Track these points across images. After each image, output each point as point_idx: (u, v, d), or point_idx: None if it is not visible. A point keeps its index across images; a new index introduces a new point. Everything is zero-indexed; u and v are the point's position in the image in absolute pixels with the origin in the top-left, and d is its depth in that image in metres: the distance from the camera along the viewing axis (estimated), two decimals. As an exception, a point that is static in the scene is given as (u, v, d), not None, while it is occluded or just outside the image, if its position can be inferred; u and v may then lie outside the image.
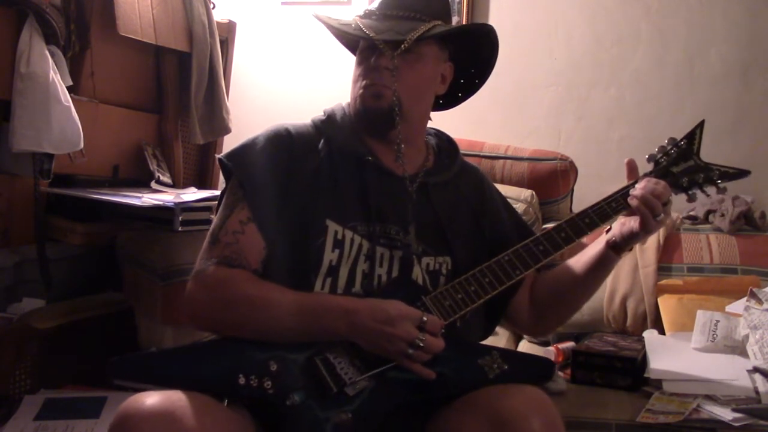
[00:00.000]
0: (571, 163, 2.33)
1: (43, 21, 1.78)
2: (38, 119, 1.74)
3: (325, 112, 1.41)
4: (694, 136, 1.39)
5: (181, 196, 1.98)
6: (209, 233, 1.29)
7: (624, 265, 2.06)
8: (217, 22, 2.41)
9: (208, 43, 2.30)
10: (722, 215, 2.13)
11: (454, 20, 2.70)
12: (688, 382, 1.56)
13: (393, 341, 1.14)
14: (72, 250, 2.10)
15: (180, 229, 1.91)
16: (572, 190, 2.38)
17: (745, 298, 1.75)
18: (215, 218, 1.31)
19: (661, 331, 1.90)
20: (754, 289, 1.75)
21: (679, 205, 2.24)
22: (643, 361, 1.67)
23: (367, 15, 1.36)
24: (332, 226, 1.27)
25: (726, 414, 1.43)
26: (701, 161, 1.38)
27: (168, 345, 1.92)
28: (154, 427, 1.00)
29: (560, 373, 1.71)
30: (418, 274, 1.30)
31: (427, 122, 1.44)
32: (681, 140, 1.40)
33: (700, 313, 1.77)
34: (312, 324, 1.18)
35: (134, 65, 2.21)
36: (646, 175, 1.38)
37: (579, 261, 1.40)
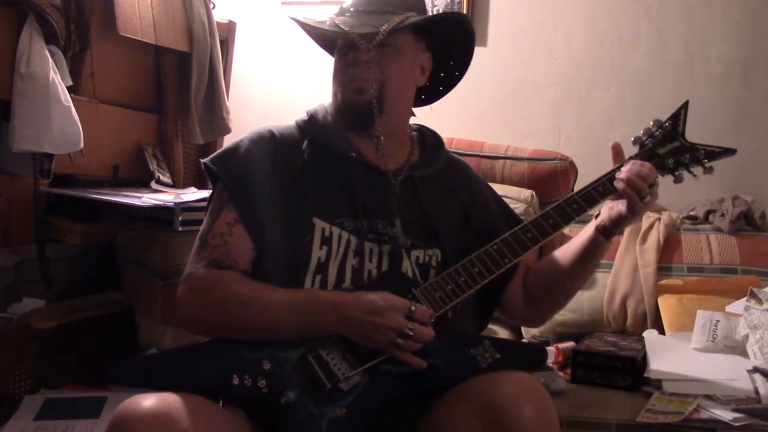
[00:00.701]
0: (571, 163, 2.33)
1: (43, 21, 1.78)
2: (38, 119, 1.74)
3: (307, 113, 1.42)
4: (678, 117, 1.39)
5: (181, 196, 1.98)
6: (198, 237, 1.30)
7: (624, 265, 2.06)
8: (217, 22, 2.41)
9: (208, 43, 2.30)
10: (722, 215, 2.13)
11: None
12: (688, 382, 1.56)
13: (382, 331, 1.15)
14: (72, 250, 2.10)
15: (180, 229, 1.91)
16: (572, 190, 2.37)
17: (745, 298, 1.75)
18: (203, 222, 1.32)
19: (661, 331, 1.90)
20: (754, 289, 1.75)
21: (679, 204, 2.25)
22: (643, 361, 1.67)
23: (342, 12, 1.37)
24: (319, 224, 1.27)
25: (726, 414, 1.43)
26: (687, 142, 1.38)
27: (168, 345, 1.92)
28: (151, 429, 1.00)
29: (560, 373, 1.71)
30: (407, 267, 1.30)
31: (409, 115, 1.45)
32: (666, 121, 1.39)
33: (700, 313, 1.77)
34: (302, 320, 1.18)
35: (134, 65, 2.21)
36: (631, 157, 1.38)
37: (570, 248, 1.40)
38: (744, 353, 1.65)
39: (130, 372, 1.18)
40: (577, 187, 2.37)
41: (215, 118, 2.36)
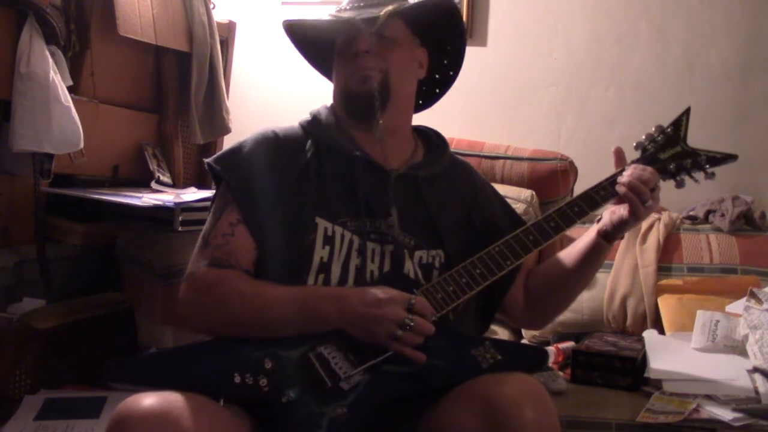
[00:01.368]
0: (571, 163, 2.33)
1: (43, 21, 1.78)
2: (38, 119, 1.74)
3: (310, 113, 1.43)
4: (680, 122, 1.39)
5: (181, 196, 1.98)
6: (200, 237, 1.30)
7: (624, 265, 2.06)
8: (217, 22, 2.41)
9: (208, 43, 2.30)
10: (722, 215, 2.13)
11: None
12: (688, 382, 1.56)
13: (382, 323, 1.15)
14: (72, 250, 2.10)
15: (180, 229, 1.91)
16: (572, 190, 2.37)
17: (745, 298, 1.75)
18: (206, 222, 1.33)
19: (661, 331, 1.90)
20: (754, 289, 1.75)
21: (679, 204, 2.25)
22: (643, 361, 1.67)
23: (340, 11, 1.39)
24: (322, 223, 1.28)
25: (726, 414, 1.43)
26: (688, 147, 1.38)
27: (168, 345, 1.92)
28: (151, 428, 1.00)
29: (560, 373, 1.71)
30: (410, 268, 1.31)
31: (412, 111, 1.46)
32: (668, 127, 1.40)
33: (700, 313, 1.77)
34: (304, 313, 1.19)
35: (134, 65, 2.21)
36: (633, 162, 1.38)
37: (572, 251, 1.41)
38: (744, 353, 1.65)
39: (129, 371, 1.18)
40: (577, 187, 2.38)
41: (215, 118, 2.36)
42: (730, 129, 2.43)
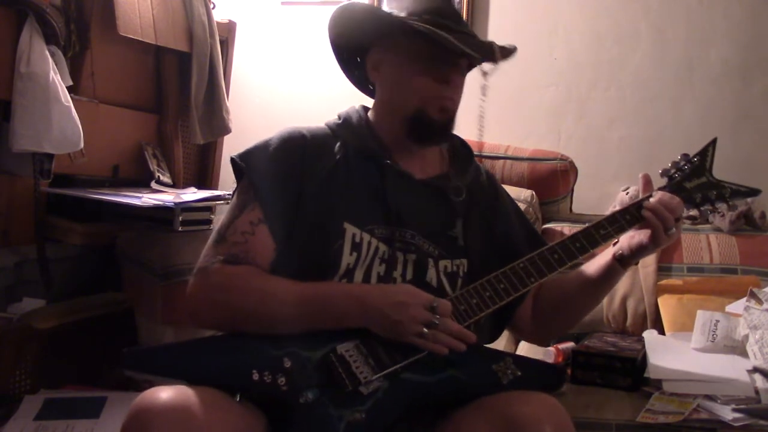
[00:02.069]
0: (571, 163, 2.33)
1: (43, 21, 1.78)
2: (38, 119, 1.74)
3: (339, 116, 1.40)
4: (706, 152, 1.40)
5: (181, 196, 1.98)
6: (215, 231, 1.28)
7: (624, 265, 2.06)
8: (217, 22, 2.41)
9: (208, 43, 2.30)
10: (722, 215, 2.13)
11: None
12: (688, 382, 1.56)
13: (406, 323, 1.15)
14: (72, 250, 2.10)
15: (180, 229, 1.91)
16: (572, 190, 2.38)
17: (745, 298, 1.75)
18: (223, 217, 1.30)
19: (661, 331, 1.90)
20: (754, 289, 1.75)
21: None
22: (643, 361, 1.67)
23: (445, 28, 1.28)
24: (350, 229, 1.26)
25: (726, 414, 1.43)
26: (714, 178, 1.39)
27: (168, 345, 1.92)
28: (169, 421, 1.00)
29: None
30: (432, 276, 1.30)
31: None
32: (694, 156, 1.40)
33: (700, 313, 1.77)
34: (324, 311, 1.18)
35: (134, 65, 2.21)
36: (660, 189, 1.38)
37: (584, 272, 1.40)
38: (744, 353, 1.65)
39: (147, 359, 1.17)
40: (577, 187, 2.38)
41: (215, 118, 2.36)
42: (730, 129, 2.43)
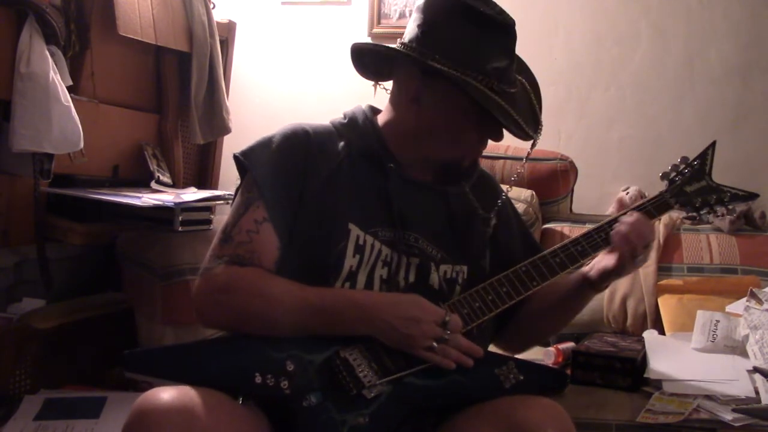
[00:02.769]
0: (571, 163, 2.33)
1: (43, 21, 1.78)
2: (38, 119, 1.74)
3: (345, 115, 1.37)
4: (706, 156, 1.40)
5: (181, 196, 1.98)
6: (220, 230, 1.26)
7: (624, 265, 2.06)
8: (217, 22, 2.41)
9: (208, 43, 2.30)
10: (722, 215, 2.12)
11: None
12: (688, 382, 1.56)
13: (414, 337, 1.14)
14: (72, 250, 2.10)
15: (180, 229, 1.91)
16: (572, 190, 2.37)
17: (745, 298, 1.75)
18: (228, 215, 1.28)
19: (661, 331, 1.90)
20: (754, 289, 1.75)
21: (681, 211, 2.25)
22: (643, 361, 1.67)
23: (504, 90, 1.25)
24: (354, 231, 1.24)
25: (726, 414, 1.43)
26: (713, 182, 1.39)
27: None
28: (171, 422, 0.99)
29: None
30: (435, 279, 1.29)
31: None
32: (694, 160, 1.40)
33: (700, 313, 1.77)
34: (331, 319, 1.17)
35: (134, 65, 2.21)
36: (660, 192, 1.38)
37: (557, 288, 1.38)
38: (744, 353, 1.65)
39: (148, 361, 1.16)
40: (577, 187, 2.38)
41: (215, 118, 2.36)
42: (730, 129, 2.43)
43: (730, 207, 1.39)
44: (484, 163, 2.28)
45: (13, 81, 1.73)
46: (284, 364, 1.13)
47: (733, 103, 2.46)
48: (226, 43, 2.55)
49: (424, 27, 1.24)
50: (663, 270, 2.05)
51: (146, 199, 1.89)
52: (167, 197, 1.94)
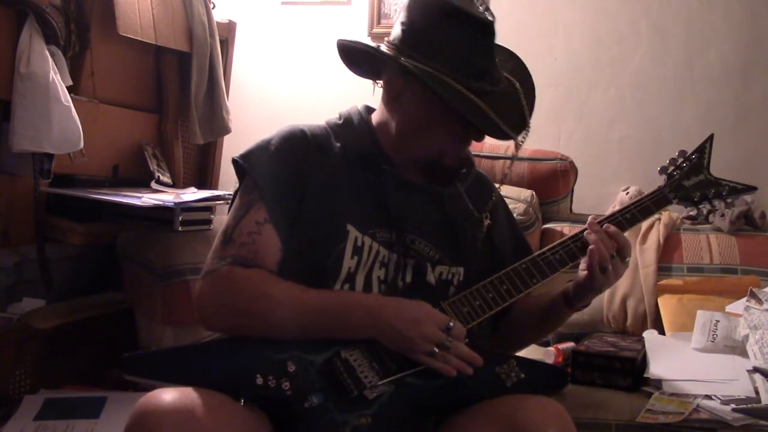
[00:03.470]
0: (571, 163, 2.33)
1: (43, 21, 1.78)
2: (38, 119, 1.74)
3: (340, 116, 1.37)
4: (704, 150, 1.39)
5: (181, 196, 1.98)
6: (221, 232, 1.26)
7: (624, 265, 2.06)
8: (217, 22, 2.41)
9: (208, 43, 2.30)
10: (722, 215, 2.13)
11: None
12: (688, 382, 1.56)
13: (417, 342, 1.14)
14: (72, 250, 2.10)
15: (180, 229, 1.91)
16: (572, 190, 2.37)
17: (745, 298, 1.75)
18: (227, 218, 1.28)
19: (661, 331, 1.90)
20: (754, 289, 1.75)
21: (679, 205, 2.25)
22: (643, 361, 1.67)
23: (486, 92, 1.24)
24: (353, 232, 1.24)
25: (726, 414, 1.43)
26: (711, 176, 1.38)
27: (168, 345, 1.92)
28: (173, 424, 0.99)
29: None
30: (431, 279, 1.29)
31: None
32: (692, 154, 1.39)
33: (700, 313, 1.77)
34: (336, 321, 1.17)
35: (134, 65, 2.21)
36: (659, 187, 1.37)
37: (539, 300, 1.39)
38: (744, 353, 1.65)
39: (147, 364, 1.17)
40: (577, 187, 2.38)
41: (215, 118, 2.36)
42: (730, 129, 2.43)
43: (729, 201, 1.38)
44: (484, 164, 2.31)
45: (13, 81, 1.74)
46: (285, 365, 1.13)
47: (733, 103, 2.45)
48: (226, 43, 2.55)
49: (406, 26, 1.24)
50: (663, 270, 2.05)
51: (146, 199, 1.89)
52: (167, 197, 1.94)
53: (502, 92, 1.28)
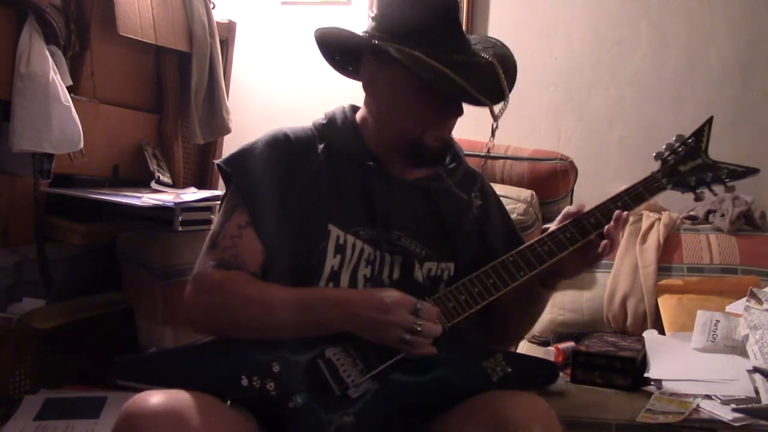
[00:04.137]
0: (571, 163, 2.33)
1: (43, 21, 1.78)
2: (38, 119, 1.74)
3: (325, 116, 1.39)
4: (702, 133, 1.36)
5: (181, 196, 1.98)
6: (208, 237, 1.29)
7: (624, 265, 2.06)
8: (217, 22, 2.41)
9: (208, 43, 2.30)
10: (722, 215, 2.13)
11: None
12: (688, 382, 1.56)
13: (389, 328, 1.14)
14: (72, 250, 2.10)
15: (180, 229, 1.91)
16: (572, 190, 2.37)
17: (745, 298, 1.75)
18: (214, 223, 1.31)
19: (661, 331, 1.90)
20: (754, 289, 1.75)
21: (680, 204, 2.25)
22: (643, 361, 1.67)
23: (453, 61, 1.23)
24: (334, 231, 1.26)
25: (726, 414, 1.43)
26: (709, 159, 1.36)
27: (168, 345, 1.92)
28: (160, 427, 1.00)
29: (560, 374, 1.71)
30: (419, 276, 1.30)
31: None
32: (689, 138, 1.37)
33: (700, 313, 1.77)
34: (309, 317, 1.18)
35: (134, 65, 2.21)
36: (653, 173, 1.35)
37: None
38: (744, 353, 1.65)
39: (137, 368, 1.18)
40: (577, 187, 2.38)
41: (215, 118, 2.36)
42: (730, 129, 2.43)
43: (729, 184, 1.34)
44: (484, 164, 2.30)
45: (13, 81, 1.74)
46: (270, 366, 1.14)
47: (733, 103, 2.45)
48: (226, 43, 2.55)
49: (376, 16, 1.28)
50: (663, 270, 2.04)
51: (146, 199, 1.89)
52: (167, 197, 1.94)
53: (475, 64, 1.27)
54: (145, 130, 2.27)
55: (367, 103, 1.36)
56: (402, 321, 1.14)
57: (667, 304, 1.95)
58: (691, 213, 2.22)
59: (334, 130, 1.35)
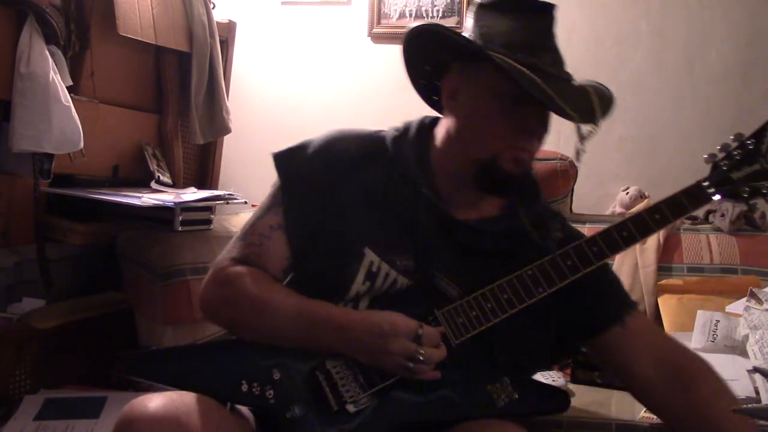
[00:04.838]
0: (571, 163, 2.32)
1: (43, 21, 1.78)
2: (38, 119, 1.74)
3: (403, 126, 1.27)
4: (763, 135, 1.19)
5: (181, 196, 1.98)
6: (241, 227, 1.25)
7: (624, 265, 2.06)
8: (217, 22, 2.41)
9: (208, 43, 2.30)
10: (722, 215, 2.13)
11: (454, 20, 2.70)
12: (688, 382, 1.56)
13: (389, 356, 1.09)
14: (72, 250, 2.10)
15: (180, 229, 1.91)
16: (572, 190, 2.37)
17: (745, 298, 1.75)
18: (254, 211, 1.26)
19: (661, 331, 1.90)
20: (754, 289, 1.75)
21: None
22: (643, 361, 1.67)
23: (546, 73, 1.17)
24: (369, 256, 1.17)
25: (726, 414, 1.43)
26: None
27: (168, 345, 1.92)
28: (159, 430, 0.99)
29: (560, 373, 1.71)
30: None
31: None
32: (748, 139, 1.19)
33: (700, 313, 1.77)
34: (305, 334, 1.14)
35: (134, 65, 2.21)
36: (699, 181, 1.17)
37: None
38: (744, 353, 1.65)
39: (139, 364, 1.17)
40: (577, 187, 2.37)
41: (215, 118, 2.36)
42: (730, 129, 2.41)
43: None
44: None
45: (13, 81, 1.74)
46: (271, 373, 1.12)
47: (733, 103, 2.45)
48: (226, 43, 2.55)
49: (474, 27, 1.20)
50: (663, 270, 2.04)
51: (146, 199, 1.89)
52: (167, 197, 1.94)
53: (568, 83, 1.22)
54: (145, 130, 2.27)
55: (446, 119, 1.24)
56: (402, 350, 1.07)
57: (667, 304, 1.95)
58: (739, 204, 2.21)
59: (402, 144, 1.24)
